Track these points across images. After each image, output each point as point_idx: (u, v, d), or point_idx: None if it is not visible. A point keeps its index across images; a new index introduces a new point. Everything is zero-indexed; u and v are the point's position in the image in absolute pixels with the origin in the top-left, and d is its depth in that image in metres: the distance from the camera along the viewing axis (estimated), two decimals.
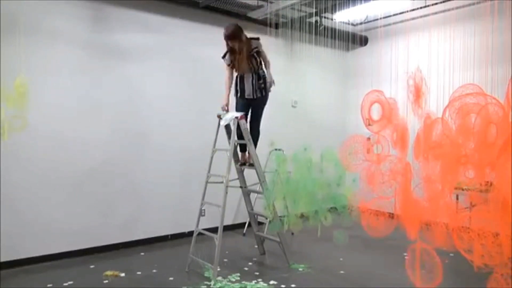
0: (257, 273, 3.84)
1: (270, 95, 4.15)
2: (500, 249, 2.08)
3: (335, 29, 6.02)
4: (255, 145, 4.08)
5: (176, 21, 4.95)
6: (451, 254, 2.38)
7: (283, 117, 5.76)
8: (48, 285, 3.50)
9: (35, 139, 3.95)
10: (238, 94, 4.11)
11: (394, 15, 5.77)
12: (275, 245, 4.20)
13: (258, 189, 4.41)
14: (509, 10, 4.09)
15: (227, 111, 4.03)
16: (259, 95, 4.03)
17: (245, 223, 5.30)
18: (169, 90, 4.92)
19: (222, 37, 3.90)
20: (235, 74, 4.10)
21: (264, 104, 4.13)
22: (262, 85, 4.01)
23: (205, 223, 4.28)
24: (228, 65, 4.03)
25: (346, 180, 3.75)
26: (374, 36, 6.50)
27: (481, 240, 2.15)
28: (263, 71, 4.04)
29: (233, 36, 3.83)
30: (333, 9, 5.53)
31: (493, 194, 2.16)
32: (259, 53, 3.99)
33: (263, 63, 4.05)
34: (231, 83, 4.09)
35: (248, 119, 4.11)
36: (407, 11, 5.50)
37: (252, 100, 4.06)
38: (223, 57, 4.04)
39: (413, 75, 2.66)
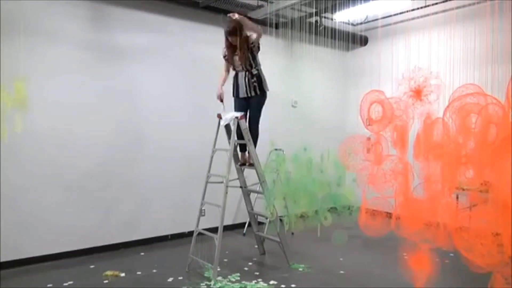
0: (257, 273, 3.84)
1: (270, 95, 4.13)
2: (500, 249, 2.08)
3: (335, 29, 6.02)
4: (255, 145, 4.07)
5: (176, 21, 4.95)
6: (451, 254, 2.38)
7: (283, 117, 5.76)
8: (48, 285, 3.50)
9: (35, 139, 3.95)
10: (234, 93, 4.11)
11: (394, 15, 5.76)
12: (275, 245, 4.20)
13: (258, 189, 4.41)
14: (509, 10, 4.08)
15: (222, 101, 4.01)
16: (253, 93, 3.98)
17: (245, 223, 5.30)
18: (169, 90, 4.92)
19: (222, 36, 3.88)
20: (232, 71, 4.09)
21: (261, 103, 4.07)
22: (255, 84, 3.96)
23: (205, 223, 4.28)
24: (226, 60, 4.03)
25: (346, 180, 3.74)
26: (374, 36, 6.50)
27: (481, 240, 2.15)
28: (256, 70, 3.98)
29: (233, 33, 3.81)
30: (333, 9, 5.53)
31: (493, 194, 2.16)
32: (253, 48, 3.88)
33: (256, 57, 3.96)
34: (227, 75, 4.09)
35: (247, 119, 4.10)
36: (407, 11, 5.50)
37: (247, 99, 4.04)
38: (224, 56, 4.04)
39: (413, 75, 2.66)
